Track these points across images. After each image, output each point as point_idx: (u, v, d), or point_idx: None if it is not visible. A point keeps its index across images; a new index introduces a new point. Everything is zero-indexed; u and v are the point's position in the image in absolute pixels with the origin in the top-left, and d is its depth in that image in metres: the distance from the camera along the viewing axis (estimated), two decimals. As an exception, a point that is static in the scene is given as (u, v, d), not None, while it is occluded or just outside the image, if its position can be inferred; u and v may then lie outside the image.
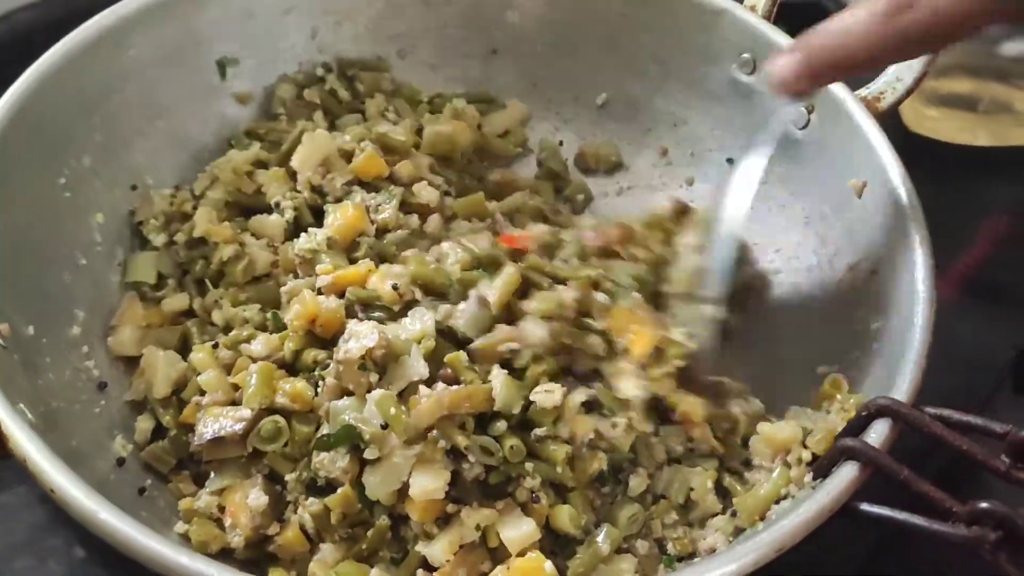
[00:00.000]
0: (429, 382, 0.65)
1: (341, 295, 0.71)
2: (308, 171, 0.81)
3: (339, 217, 0.77)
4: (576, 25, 0.93)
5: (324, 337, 0.69)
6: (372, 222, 0.79)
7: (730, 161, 0.90)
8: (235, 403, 0.66)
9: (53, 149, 0.76)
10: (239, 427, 0.64)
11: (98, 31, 0.79)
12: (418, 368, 0.66)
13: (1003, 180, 1.02)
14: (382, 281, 0.71)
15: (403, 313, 0.71)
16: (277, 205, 0.81)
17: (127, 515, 0.53)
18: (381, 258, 0.76)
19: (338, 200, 0.80)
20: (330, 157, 0.81)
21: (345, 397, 0.65)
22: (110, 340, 0.75)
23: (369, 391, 0.64)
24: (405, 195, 0.81)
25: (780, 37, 0.85)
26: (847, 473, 0.58)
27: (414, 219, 0.80)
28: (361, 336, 0.65)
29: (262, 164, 0.84)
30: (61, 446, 0.58)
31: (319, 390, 0.66)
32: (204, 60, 0.87)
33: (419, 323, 0.68)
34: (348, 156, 0.82)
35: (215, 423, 0.64)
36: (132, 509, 0.56)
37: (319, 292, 0.72)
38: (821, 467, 0.61)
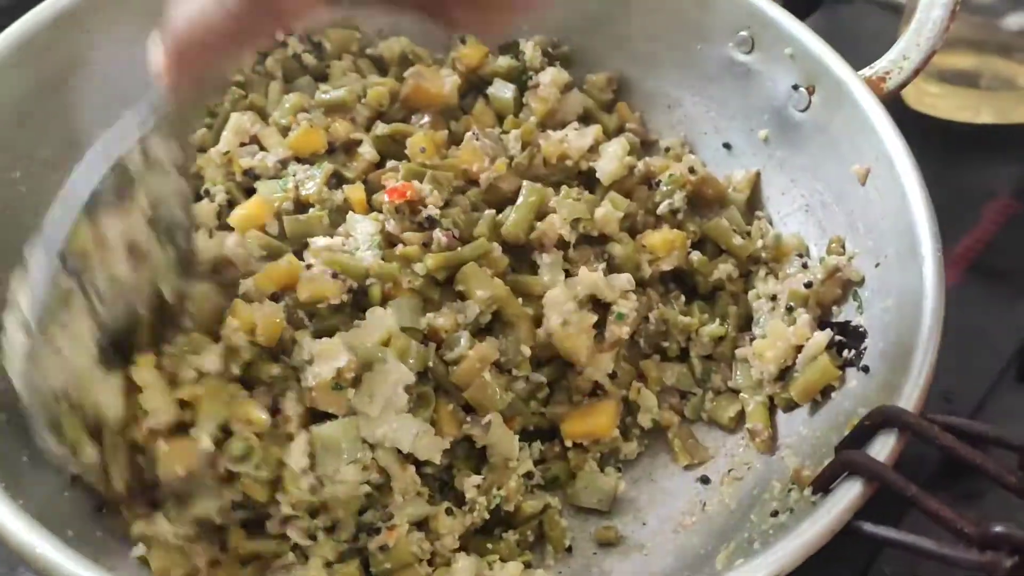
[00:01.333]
0: None
1: (274, 297, 0.67)
2: (234, 151, 0.78)
3: (241, 209, 0.74)
4: (564, 3, 0.88)
5: (270, 347, 0.65)
6: (297, 200, 0.75)
7: (727, 146, 0.86)
8: (183, 424, 0.61)
9: (6, 141, 0.71)
10: (204, 463, 0.60)
11: (54, 12, 0.75)
12: (401, 374, 0.63)
13: (1007, 159, 0.99)
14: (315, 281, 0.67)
15: (350, 307, 0.67)
16: (207, 192, 0.77)
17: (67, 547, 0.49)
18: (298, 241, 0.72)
19: (272, 179, 0.76)
20: (263, 134, 0.78)
21: (327, 423, 0.62)
22: None
23: (350, 413, 0.61)
24: (344, 161, 0.78)
25: (779, 14, 0.80)
26: (850, 490, 0.54)
27: (338, 195, 0.76)
28: (328, 357, 0.61)
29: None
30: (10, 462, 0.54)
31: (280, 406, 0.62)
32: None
33: (379, 325, 0.64)
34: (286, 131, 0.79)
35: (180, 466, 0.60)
36: (87, 530, 0.53)
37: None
38: (821, 480, 0.58)
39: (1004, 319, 0.88)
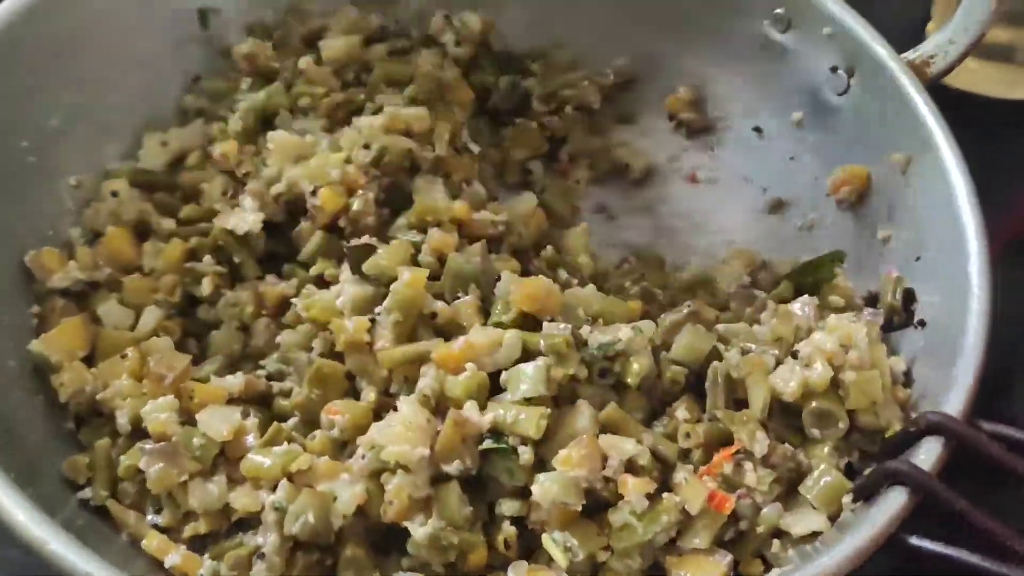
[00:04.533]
0: None
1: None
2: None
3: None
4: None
5: None
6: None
7: (757, 131, 0.83)
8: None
9: (15, 110, 0.69)
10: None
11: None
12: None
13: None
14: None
15: None
16: None
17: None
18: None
19: None
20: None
21: None
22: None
23: None
24: None
25: (819, -9, 0.77)
26: (895, 501, 0.52)
27: None
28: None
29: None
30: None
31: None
32: (182, 7, 0.80)
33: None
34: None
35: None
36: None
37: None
38: (863, 488, 0.55)
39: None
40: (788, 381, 0.59)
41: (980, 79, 0.96)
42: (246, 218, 0.72)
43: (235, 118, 0.78)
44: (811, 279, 0.74)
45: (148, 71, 0.78)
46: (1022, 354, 0.79)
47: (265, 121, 0.79)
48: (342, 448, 0.62)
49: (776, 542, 0.57)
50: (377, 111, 0.77)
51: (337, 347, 0.65)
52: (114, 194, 0.74)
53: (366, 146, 0.74)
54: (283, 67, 0.81)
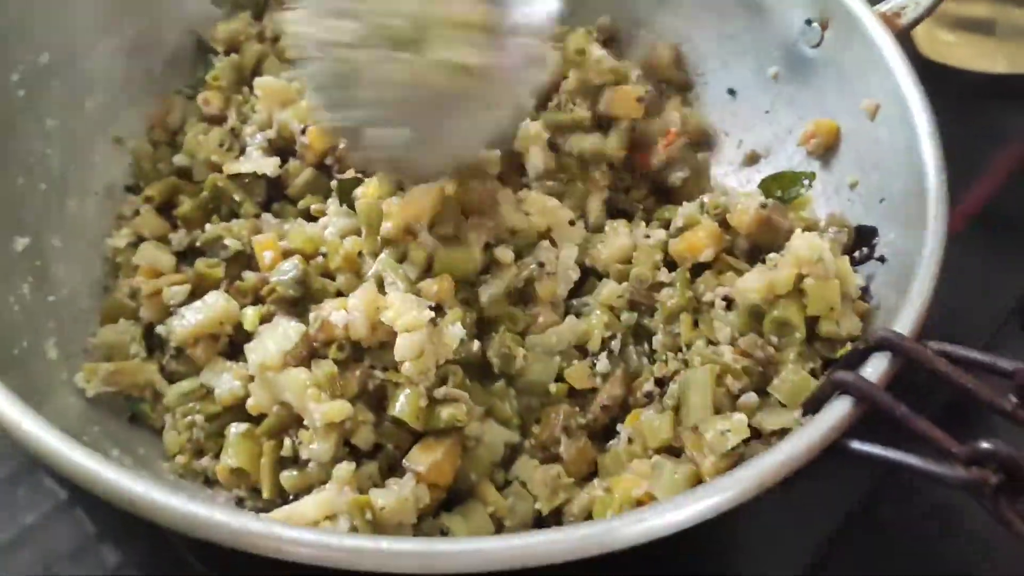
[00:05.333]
0: None
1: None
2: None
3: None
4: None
5: None
6: None
7: (731, 92, 0.85)
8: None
9: (5, 41, 0.71)
10: None
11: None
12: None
13: (1021, 108, 0.97)
14: None
15: None
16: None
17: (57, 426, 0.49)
18: None
19: None
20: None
21: None
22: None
23: None
24: None
25: (796, -51, 0.79)
26: (839, 408, 0.53)
27: None
28: None
29: None
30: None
31: None
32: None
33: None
34: None
35: None
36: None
37: None
38: (812, 402, 0.57)
39: (1009, 268, 0.87)
40: (755, 282, 0.63)
41: (961, 53, 0.97)
42: (262, 162, 0.76)
43: (220, 66, 0.81)
44: (780, 191, 0.77)
45: (140, 19, 0.81)
46: (982, 317, 0.82)
47: (252, 74, 0.82)
48: None
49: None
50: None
51: (332, 267, 0.69)
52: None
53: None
54: (269, 20, 0.84)
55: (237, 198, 0.75)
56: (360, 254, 0.70)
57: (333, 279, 0.70)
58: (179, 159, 0.78)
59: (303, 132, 0.76)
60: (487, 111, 0.66)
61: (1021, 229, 0.91)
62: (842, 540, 0.70)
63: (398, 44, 0.60)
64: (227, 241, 0.72)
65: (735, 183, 0.83)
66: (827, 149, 0.77)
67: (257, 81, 0.79)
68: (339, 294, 0.68)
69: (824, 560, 0.69)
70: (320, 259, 0.71)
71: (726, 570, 0.69)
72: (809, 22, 0.79)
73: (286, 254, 0.70)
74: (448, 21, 0.61)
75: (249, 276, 0.70)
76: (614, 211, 0.79)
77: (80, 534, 0.66)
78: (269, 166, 0.76)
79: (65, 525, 0.67)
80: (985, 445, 0.49)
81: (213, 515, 0.46)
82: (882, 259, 0.67)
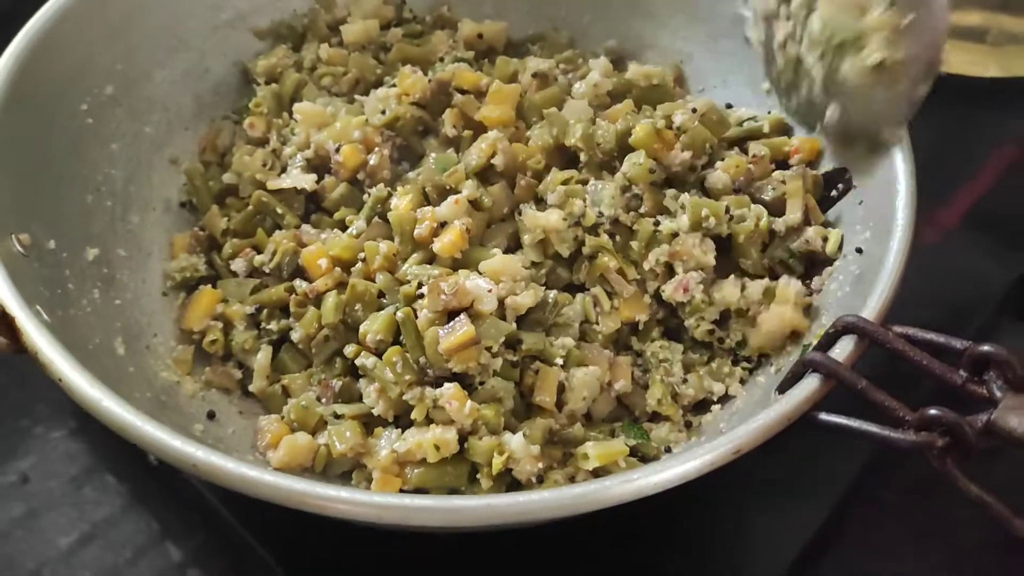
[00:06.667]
0: None
1: None
2: None
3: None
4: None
5: None
6: None
7: (729, 107, 0.92)
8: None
9: (77, 75, 0.80)
10: None
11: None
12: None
13: (1014, 112, 1.02)
14: None
15: None
16: None
17: (132, 405, 0.58)
18: None
19: None
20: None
21: None
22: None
23: None
24: None
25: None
26: (809, 384, 0.60)
27: None
28: None
29: None
30: (76, 347, 0.63)
31: None
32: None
33: None
34: None
35: None
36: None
37: None
38: (787, 382, 0.64)
39: (1001, 265, 0.91)
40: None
41: (952, 59, 1.01)
42: (301, 178, 0.84)
43: (262, 94, 0.89)
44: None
45: (191, 50, 0.90)
46: (971, 313, 0.87)
47: (291, 100, 0.90)
48: None
49: None
50: (393, 86, 0.88)
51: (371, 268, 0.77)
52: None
53: (382, 112, 0.86)
54: (307, 51, 0.93)
55: (279, 211, 0.84)
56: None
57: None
58: (227, 177, 0.86)
59: (337, 151, 0.84)
60: None
61: (1012, 226, 0.95)
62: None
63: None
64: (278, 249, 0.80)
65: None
66: (810, 164, 0.83)
67: (296, 106, 0.88)
68: (380, 295, 0.75)
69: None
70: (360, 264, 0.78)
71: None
72: (799, 39, 0.86)
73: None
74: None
75: (301, 285, 0.78)
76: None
77: (146, 532, 0.72)
78: (307, 181, 0.84)
79: (131, 523, 0.73)
80: (933, 411, 0.55)
81: (263, 476, 0.54)
82: (859, 250, 0.74)
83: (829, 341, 0.63)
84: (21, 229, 0.70)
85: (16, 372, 0.77)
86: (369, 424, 0.71)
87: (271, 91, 0.90)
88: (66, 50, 0.79)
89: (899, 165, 0.74)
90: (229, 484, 0.55)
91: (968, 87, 1.02)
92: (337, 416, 0.71)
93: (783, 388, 0.64)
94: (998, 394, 0.56)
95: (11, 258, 0.67)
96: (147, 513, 0.73)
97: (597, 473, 0.67)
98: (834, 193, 0.79)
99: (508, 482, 0.68)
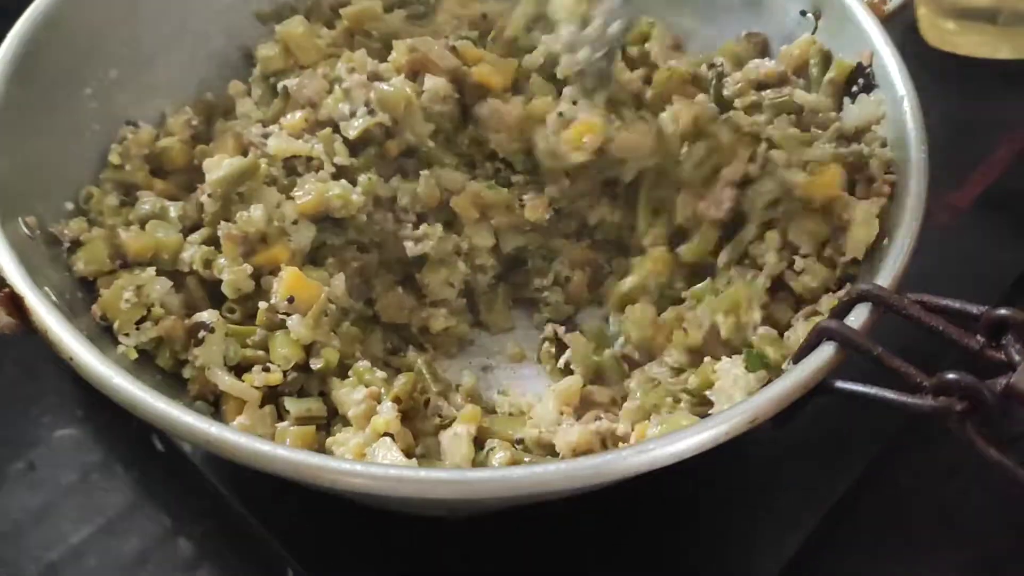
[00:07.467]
0: None
1: None
2: None
3: None
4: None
5: None
6: None
7: None
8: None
9: (82, 59, 0.80)
10: None
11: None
12: None
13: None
14: None
15: None
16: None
17: (140, 381, 0.57)
18: None
19: None
20: None
21: None
22: None
23: None
24: None
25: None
26: (824, 352, 0.60)
27: None
28: None
29: None
30: (85, 328, 0.63)
31: None
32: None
33: None
34: None
35: None
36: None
37: None
38: (802, 351, 0.63)
39: (1013, 244, 0.91)
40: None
41: (963, 41, 1.02)
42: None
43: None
44: None
45: (196, 36, 0.89)
46: (983, 295, 0.86)
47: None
48: None
49: None
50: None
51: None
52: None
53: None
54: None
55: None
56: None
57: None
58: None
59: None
60: None
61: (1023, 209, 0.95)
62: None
63: None
64: None
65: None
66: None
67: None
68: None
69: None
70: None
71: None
72: (804, 13, 0.85)
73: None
74: None
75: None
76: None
77: (157, 527, 0.72)
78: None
79: (144, 519, 0.72)
80: (951, 376, 0.55)
81: (276, 451, 0.54)
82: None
83: (844, 309, 0.63)
84: (28, 212, 0.70)
85: (26, 364, 0.77)
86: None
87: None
88: (71, 34, 0.78)
89: (910, 131, 0.73)
90: (242, 459, 0.54)
91: (979, 69, 1.02)
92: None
93: (798, 358, 0.64)
94: (1016, 358, 0.55)
95: (19, 240, 0.66)
96: (155, 502, 0.73)
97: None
98: (855, 88, 0.79)
99: None
